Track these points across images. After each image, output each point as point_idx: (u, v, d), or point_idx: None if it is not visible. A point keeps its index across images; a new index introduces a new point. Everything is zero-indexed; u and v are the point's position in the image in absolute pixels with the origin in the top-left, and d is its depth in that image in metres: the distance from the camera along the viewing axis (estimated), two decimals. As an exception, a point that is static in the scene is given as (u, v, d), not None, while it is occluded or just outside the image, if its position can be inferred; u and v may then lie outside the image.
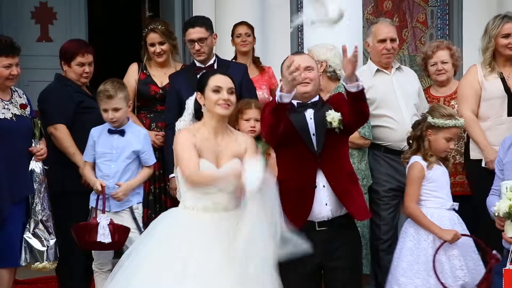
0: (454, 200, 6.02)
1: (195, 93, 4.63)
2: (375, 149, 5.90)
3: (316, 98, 4.69)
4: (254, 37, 7.03)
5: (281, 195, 4.31)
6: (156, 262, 4.28)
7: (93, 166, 5.50)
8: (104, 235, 5.22)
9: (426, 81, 7.73)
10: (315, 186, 4.56)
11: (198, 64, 5.91)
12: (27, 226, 5.41)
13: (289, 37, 8.24)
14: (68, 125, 5.72)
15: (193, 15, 8.03)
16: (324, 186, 4.56)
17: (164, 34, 6.19)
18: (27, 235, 5.39)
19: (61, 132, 5.72)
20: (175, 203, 5.66)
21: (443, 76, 6.21)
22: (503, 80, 5.61)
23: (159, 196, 6.11)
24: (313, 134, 4.56)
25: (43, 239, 5.43)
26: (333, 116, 4.51)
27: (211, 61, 5.92)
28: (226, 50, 7.03)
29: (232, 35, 6.98)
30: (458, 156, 6.10)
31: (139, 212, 5.50)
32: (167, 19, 7.78)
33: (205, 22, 5.96)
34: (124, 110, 5.46)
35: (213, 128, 4.53)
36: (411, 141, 5.22)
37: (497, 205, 4.37)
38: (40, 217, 5.42)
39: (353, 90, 4.37)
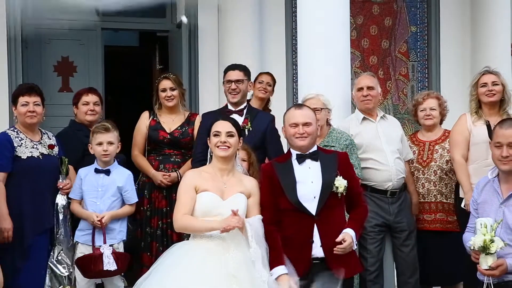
0: (434, 236, 6.11)
1: None
2: (362, 189, 5.91)
3: (314, 148, 4.70)
4: (273, 89, 7.05)
5: (284, 247, 4.50)
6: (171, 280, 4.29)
7: (80, 203, 5.45)
8: (109, 264, 5.21)
9: (411, 128, 7.80)
10: (313, 241, 4.57)
11: (230, 107, 5.88)
12: (51, 253, 5.40)
13: (285, 85, 8.34)
14: (75, 166, 5.70)
15: (199, 67, 8.13)
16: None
17: (175, 82, 6.23)
18: (51, 261, 5.39)
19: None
20: (180, 237, 5.72)
21: (430, 121, 6.25)
22: (488, 127, 5.63)
23: (166, 230, 6.06)
24: (314, 197, 4.57)
25: (65, 265, 5.42)
26: (340, 183, 4.54)
27: (242, 106, 5.88)
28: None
29: (255, 80, 6.90)
30: (439, 196, 6.12)
31: (120, 250, 5.42)
32: (175, 71, 7.84)
33: (244, 69, 5.97)
34: (115, 146, 5.44)
35: (219, 168, 4.62)
36: None
37: (473, 240, 4.36)
38: (63, 245, 5.42)
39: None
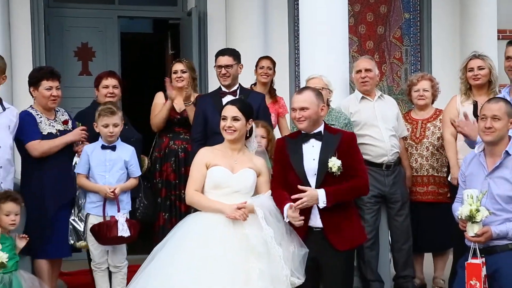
0: (426, 207, 6.12)
1: None
2: None
3: (319, 129, 4.61)
4: (274, 71, 6.88)
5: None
6: (187, 251, 4.32)
7: (87, 178, 5.41)
8: (123, 230, 5.18)
9: (404, 108, 7.79)
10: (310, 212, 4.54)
11: (223, 89, 5.86)
12: (72, 211, 5.41)
13: (287, 69, 8.35)
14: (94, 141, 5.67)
15: (208, 52, 8.12)
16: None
17: (187, 66, 6.24)
18: (73, 219, 5.40)
19: None
20: (188, 208, 5.72)
21: (423, 102, 6.26)
22: (475, 106, 5.62)
23: (174, 202, 6.10)
24: (315, 174, 4.52)
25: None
26: (334, 163, 4.46)
27: (235, 87, 5.85)
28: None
29: (256, 66, 6.83)
30: (431, 170, 6.15)
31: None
32: (185, 56, 7.84)
33: (233, 53, 5.93)
34: (120, 127, 5.42)
35: (229, 148, 4.65)
36: None
37: (460, 210, 4.37)
38: (81, 203, 5.43)
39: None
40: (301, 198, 4.40)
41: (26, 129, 5.35)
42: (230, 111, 4.63)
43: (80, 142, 5.50)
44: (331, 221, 4.49)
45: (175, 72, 6.23)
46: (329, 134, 4.61)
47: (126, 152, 5.45)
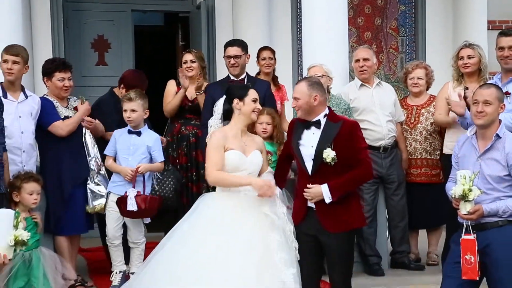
0: (420, 187, 6.13)
1: (224, 97, 4.63)
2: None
3: (319, 117, 4.46)
4: (275, 60, 6.72)
5: (295, 197, 4.55)
6: (200, 232, 4.33)
7: (114, 160, 5.46)
8: (131, 205, 5.19)
9: (400, 95, 7.75)
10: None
11: (231, 77, 5.85)
12: (88, 178, 5.48)
13: (290, 58, 8.35)
14: (110, 126, 5.73)
15: (216, 43, 8.11)
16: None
17: (196, 56, 6.22)
18: (90, 185, 5.48)
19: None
20: (198, 189, 5.88)
21: (417, 89, 6.25)
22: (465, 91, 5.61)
23: (186, 183, 6.09)
24: (312, 160, 4.42)
25: (102, 186, 5.50)
26: (328, 154, 4.33)
27: (243, 76, 5.85)
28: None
29: (258, 57, 6.67)
30: (424, 153, 6.16)
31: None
32: (195, 47, 7.83)
33: (242, 44, 5.91)
34: (139, 113, 5.40)
35: (241, 129, 4.58)
36: None
37: (454, 189, 4.35)
38: (95, 170, 5.49)
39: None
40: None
41: (48, 112, 5.41)
42: (257, 95, 4.63)
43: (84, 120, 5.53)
44: (323, 203, 4.37)
45: (185, 62, 6.22)
46: (330, 122, 4.45)
47: (150, 138, 5.46)
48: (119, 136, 5.45)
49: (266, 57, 6.64)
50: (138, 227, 5.45)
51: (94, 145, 5.60)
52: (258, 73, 6.75)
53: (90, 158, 5.53)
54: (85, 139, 5.55)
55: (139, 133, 5.44)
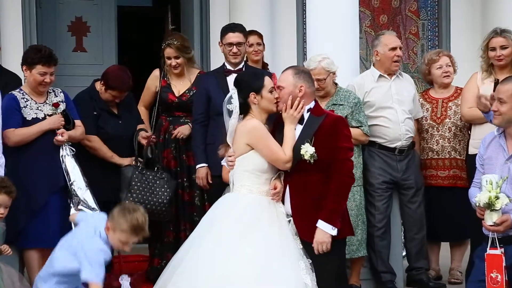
0: (443, 192, 6.12)
1: (235, 92, 4.67)
2: (371, 146, 5.88)
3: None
4: (263, 45, 6.67)
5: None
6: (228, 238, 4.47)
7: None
8: None
9: (421, 86, 7.73)
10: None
11: (228, 67, 5.80)
12: (71, 206, 5.40)
13: (295, 47, 8.36)
14: (93, 125, 5.74)
15: (210, 27, 8.09)
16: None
17: (179, 49, 6.07)
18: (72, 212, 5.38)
19: (96, 142, 5.75)
20: (190, 197, 5.92)
21: (449, 79, 6.21)
22: (496, 84, 5.57)
23: (175, 190, 5.98)
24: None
25: (87, 206, 5.41)
26: (306, 150, 4.43)
27: (241, 66, 5.82)
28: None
29: None
30: (453, 152, 6.12)
31: None
32: (187, 31, 7.81)
33: (243, 30, 5.87)
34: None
35: (264, 121, 4.66)
36: None
37: (478, 197, 4.36)
38: (80, 196, 5.42)
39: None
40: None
41: (5, 115, 5.28)
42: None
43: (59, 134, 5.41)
44: (301, 210, 4.53)
45: (169, 58, 6.10)
46: (312, 117, 4.58)
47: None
48: None
49: (253, 43, 6.53)
50: None
51: (74, 167, 5.46)
52: (246, 61, 6.72)
53: (70, 182, 5.43)
54: (62, 160, 5.44)
55: None
